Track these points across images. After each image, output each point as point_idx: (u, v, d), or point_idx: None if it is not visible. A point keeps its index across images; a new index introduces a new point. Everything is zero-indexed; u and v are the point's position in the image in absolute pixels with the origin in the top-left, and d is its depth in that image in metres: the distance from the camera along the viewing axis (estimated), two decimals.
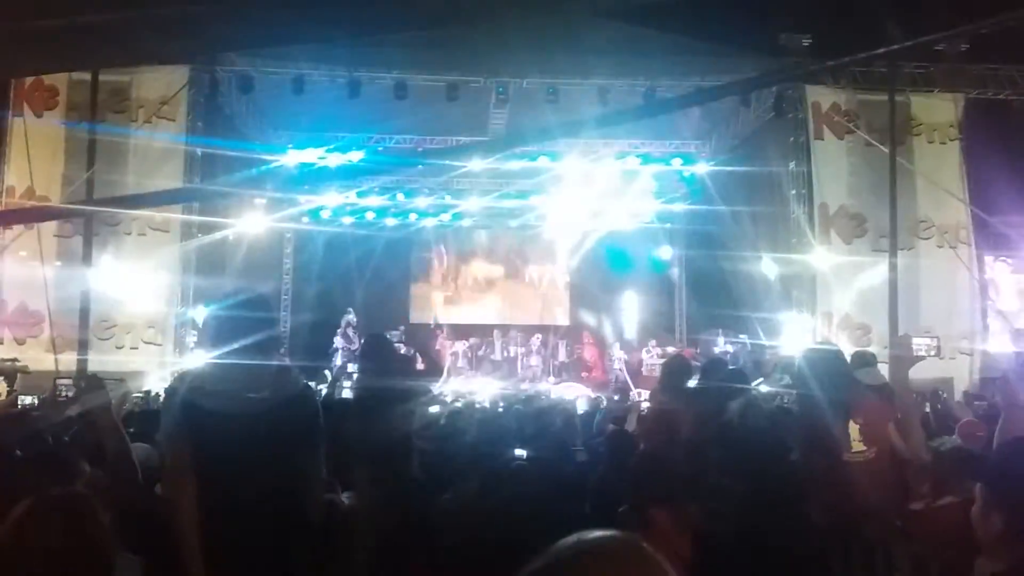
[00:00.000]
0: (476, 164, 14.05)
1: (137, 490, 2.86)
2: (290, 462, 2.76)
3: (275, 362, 2.94)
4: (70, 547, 1.97)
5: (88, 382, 3.33)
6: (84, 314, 9.20)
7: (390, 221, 16.36)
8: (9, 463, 2.71)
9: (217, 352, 2.90)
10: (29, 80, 11.23)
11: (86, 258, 9.74)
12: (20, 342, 10.56)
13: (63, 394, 3.69)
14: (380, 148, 14.03)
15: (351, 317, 14.38)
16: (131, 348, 10.82)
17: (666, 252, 16.86)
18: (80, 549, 2.00)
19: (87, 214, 7.62)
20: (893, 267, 9.42)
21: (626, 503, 4.43)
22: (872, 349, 8.42)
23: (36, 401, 4.24)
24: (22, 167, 10.35)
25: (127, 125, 11.21)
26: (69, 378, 4.31)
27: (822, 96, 12.23)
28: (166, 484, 2.91)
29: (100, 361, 9.78)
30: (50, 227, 10.93)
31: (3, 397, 5.84)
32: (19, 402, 4.31)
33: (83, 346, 8.89)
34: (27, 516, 2.01)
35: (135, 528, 2.55)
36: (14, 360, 9.30)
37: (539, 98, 12.19)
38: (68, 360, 9.21)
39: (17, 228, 10.95)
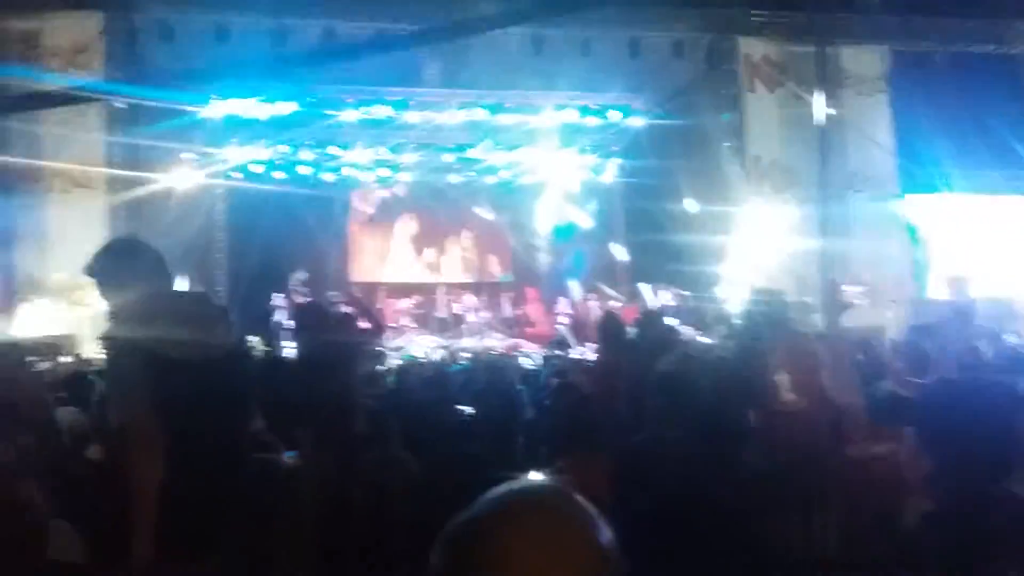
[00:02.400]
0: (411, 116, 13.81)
1: (64, 456, 2.78)
2: (233, 414, 2.71)
3: (213, 307, 2.84)
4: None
5: (5, 349, 3.21)
6: (8, 278, 8.88)
7: (327, 176, 16.01)
8: None
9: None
10: None
11: (7, 219, 9.37)
12: None
13: None
14: (311, 99, 13.65)
15: (302, 275, 14.11)
16: (62, 311, 10.43)
17: (597, 211, 16.90)
18: (8, 518, 1.95)
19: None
20: (824, 216, 9.64)
21: (557, 450, 4.53)
22: (806, 300, 8.72)
23: None
24: None
25: (38, 76, 10.64)
26: None
27: (753, 47, 12.31)
28: (131, 443, 2.73)
29: (30, 324, 9.44)
30: None
31: None
32: None
33: (11, 309, 8.58)
34: None
35: (67, 495, 2.49)
36: None
37: (472, 49, 12.00)
38: None
39: None
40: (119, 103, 11.24)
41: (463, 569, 0.96)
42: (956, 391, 2.09)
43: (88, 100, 9.43)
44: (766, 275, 11.58)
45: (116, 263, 2.79)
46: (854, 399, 3.82)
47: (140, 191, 11.58)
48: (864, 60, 12.29)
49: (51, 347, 6.78)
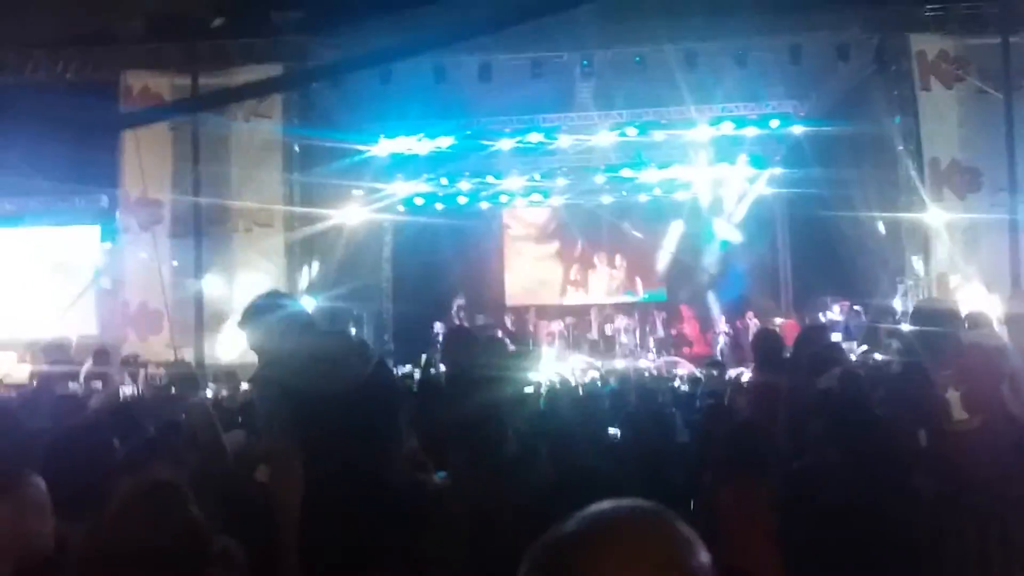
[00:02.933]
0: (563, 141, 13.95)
1: (229, 475, 3.00)
2: (376, 443, 2.85)
3: (356, 344, 3.04)
4: (163, 534, 2.07)
5: (183, 376, 3.54)
6: (199, 311, 9.74)
7: (483, 205, 16.48)
8: (108, 453, 2.90)
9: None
10: (137, 88, 11.87)
11: (198, 257, 10.31)
12: (143, 339, 11.23)
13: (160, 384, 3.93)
14: (468, 132, 14.13)
15: (461, 301, 14.61)
16: (242, 341, 11.31)
17: (761, 224, 16.26)
18: (173, 535, 2.10)
19: (193, 110, 7.89)
20: (1014, 222, 8.85)
21: (714, 472, 4.37)
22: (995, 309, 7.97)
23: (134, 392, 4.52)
24: (135, 169, 10.95)
25: (228, 125, 11.69)
26: (164, 369, 4.58)
27: (927, 44, 11.50)
28: (275, 468, 3.03)
29: (215, 355, 10.34)
30: (164, 229, 11.58)
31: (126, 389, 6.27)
32: (120, 394, 4.60)
33: (199, 341, 9.41)
34: (121, 504, 2.14)
35: (231, 513, 2.68)
36: (136, 356, 10.01)
37: (625, 68, 12.01)
38: (187, 354, 9.80)
39: (135, 229, 11.66)
40: (296, 146, 12.16)
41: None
42: None
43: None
44: (947, 284, 10.72)
45: (260, 318, 3.13)
46: None
47: (314, 227, 12.40)
48: None
49: (231, 375, 7.38)
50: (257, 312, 3.21)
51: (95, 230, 13.48)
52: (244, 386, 6.48)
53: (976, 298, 9.62)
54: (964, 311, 5.60)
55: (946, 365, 3.78)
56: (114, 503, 2.16)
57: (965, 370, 3.80)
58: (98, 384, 6.59)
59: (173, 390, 3.93)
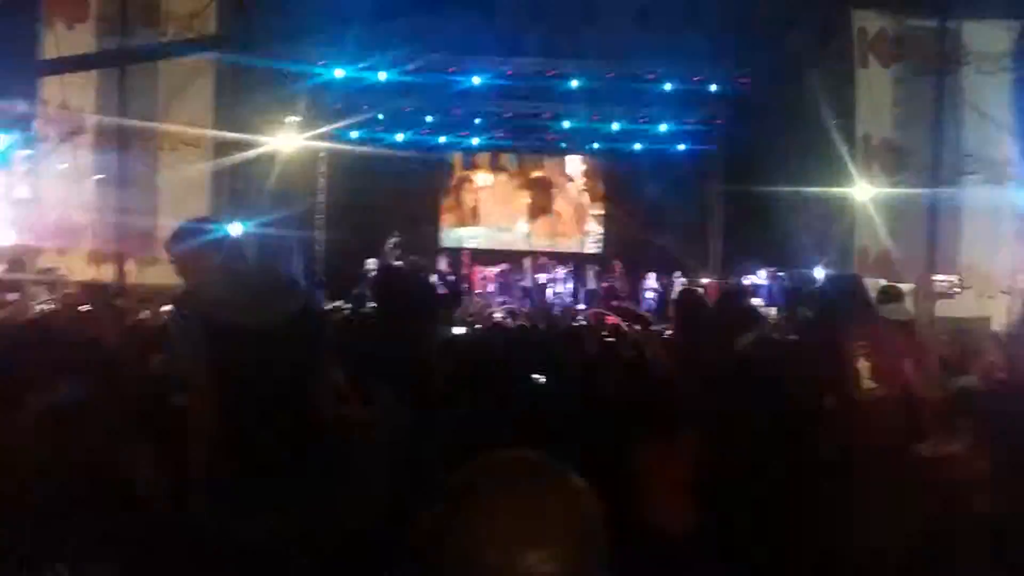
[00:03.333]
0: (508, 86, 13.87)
1: (143, 398, 2.96)
2: (298, 377, 2.85)
3: (282, 279, 3.00)
4: (76, 454, 2.03)
5: (100, 294, 3.45)
6: (120, 227, 9.41)
7: (425, 143, 16.26)
8: (24, 367, 2.81)
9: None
10: None
11: (121, 172, 9.90)
12: (62, 253, 10.79)
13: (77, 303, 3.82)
14: (410, 67, 13.83)
15: (395, 239, 14.47)
16: (168, 263, 10.98)
17: (694, 185, 16.52)
18: (83, 455, 2.07)
19: (116, 63, 7.56)
20: (934, 203, 9.18)
21: (634, 430, 4.51)
22: (908, 286, 8.33)
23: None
24: (54, 80, 10.40)
25: (156, 40, 11.17)
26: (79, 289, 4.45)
27: (869, 21, 11.69)
28: (190, 396, 2.98)
29: (138, 274, 10.02)
30: (86, 141, 11.07)
31: (46, 304, 6.05)
32: (33, 309, 4.45)
33: (120, 259, 9.09)
34: (33, 423, 2.09)
35: (143, 437, 2.65)
36: (53, 270, 9.63)
37: (574, 17, 11.91)
38: (106, 272, 9.47)
39: (55, 138, 11.13)
40: (228, 68, 11.71)
41: (449, 531, 0.99)
42: None
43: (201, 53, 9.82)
44: (868, 258, 11.13)
45: (186, 242, 3.06)
46: (934, 392, 3.65)
47: (245, 153, 12.03)
48: (988, 36, 11.48)
49: (151, 296, 7.15)
50: (184, 236, 3.14)
51: (11, 137, 12.79)
52: (166, 308, 6.31)
53: (892, 274, 10.04)
54: (879, 285, 5.84)
55: (859, 335, 3.95)
56: (21, 419, 2.11)
57: (875, 341, 3.98)
58: (12, 295, 6.34)
59: (89, 307, 3.81)
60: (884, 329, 4.18)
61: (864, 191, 11.48)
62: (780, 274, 13.16)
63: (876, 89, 11.66)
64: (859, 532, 3.41)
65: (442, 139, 16.37)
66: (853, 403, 3.88)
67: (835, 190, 11.89)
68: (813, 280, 11.43)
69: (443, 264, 13.80)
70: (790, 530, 3.54)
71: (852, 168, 11.60)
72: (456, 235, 17.15)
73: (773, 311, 10.67)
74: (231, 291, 2.95)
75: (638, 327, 7.61)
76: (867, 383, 3.90)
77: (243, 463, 2.71)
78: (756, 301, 9.38)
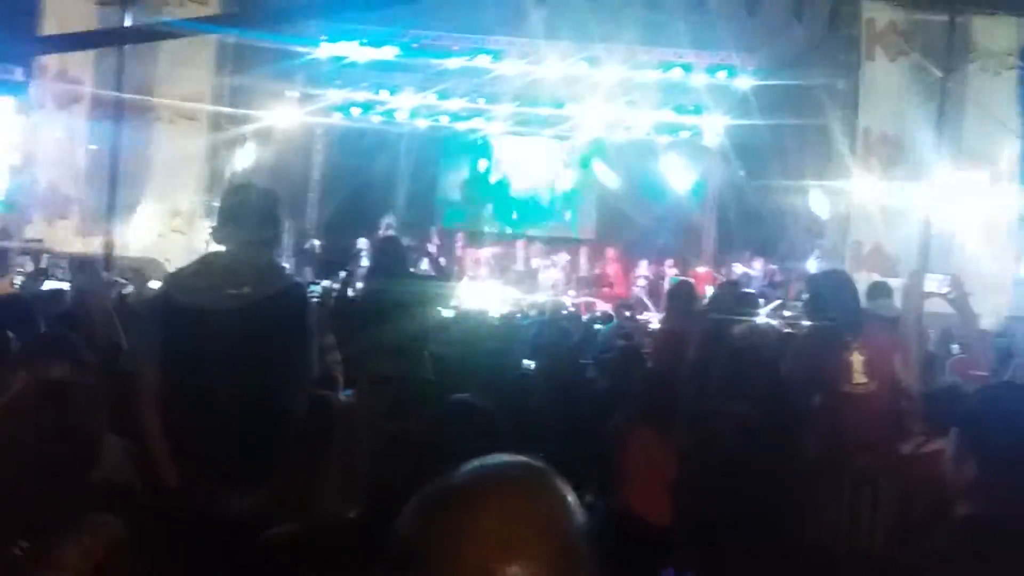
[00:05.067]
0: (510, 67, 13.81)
1: (122, 375, 2.93)
2: (268, 358, 2.81)
3: (261, 260, 2.95)
4: (56, 431, 2.01)
5: (82, 267, 3.39)
6: (112, 198, 9.32)
7: (421, 122, 16.13)
8: (2, 345, 2.78)
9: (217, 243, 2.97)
10: None
11: (116, 142, 9.80)
12: (50, 222, 10.72)
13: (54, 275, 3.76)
14: (413, 44, 13.71)
15: (389, 220, 14.41)
16: (158, 236, 10.96)
17: (692, 173, 16.44)
18: (65, 433, 2.05)
19: (116, 42, 7.53)
20: (928, 200, 9.16)
21: (620, 418, 4.49)
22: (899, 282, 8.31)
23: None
24: None
25: (159, 10, 11.03)
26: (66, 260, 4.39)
27: (878, 12, 11.60)
28: (129, 373, 2.94)
29: (126, 246, 9.96)
30: (83, 110, 10.98)
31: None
32: (13, 282, 4.40)
33: (109, 231, 9.02)
34: (16, 400, 2.06)
35: (121, 412, 2.62)
36: (40, 240, 9.56)
37: None
38: (95, 243, 9.40)
39: (51, 106, 11.04)
40: (229, 42, 11.60)
41: (428, 539, 0.96)
42: (1016, 395, 1.95)
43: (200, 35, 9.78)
44: (861, 252, 11.11)
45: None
46: (919, 388, 3.64)
47: (241, 127, 11.95)
48: (998, 32, 11.42)
49: (137, 271, 7.09)
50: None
51: (8, 102, 12.67)
52: (153, 284, 6.27)
53: (885, 269, 10.04)
54: (869, 281, 5.82)
55: (851, 330, 3.94)
56: (6, 398, 2.08)
57: (866, 337, 3.97)
58: None
59: (73, 281, 3.76)
60: (873, 325, 4.17)
61: (861, 184, 11.45)
62: (773, 266, 13.14)
63: (881, 82, 11.60)
64: (846, 528, 3.42)
65: (443, 119, 16.24)
66: (844, 397, 3.87)
67: (832, 182, 11.86)
68: (807, 273, 11.42)
69: (433, 246, 13.73)
70: (777, 523, 3.54)
71: (850, 161, 11.56)
72: (450, 216, 17.06)
73: (764, 303, 10.65)
74: (211, 271, 2.91)
75: (628, 314, 7.58)
76: (859, 377, 3.90)
77: (208, 442, 2.68)
78: (748, 291, 9.35)
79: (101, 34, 7.83)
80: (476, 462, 1.02)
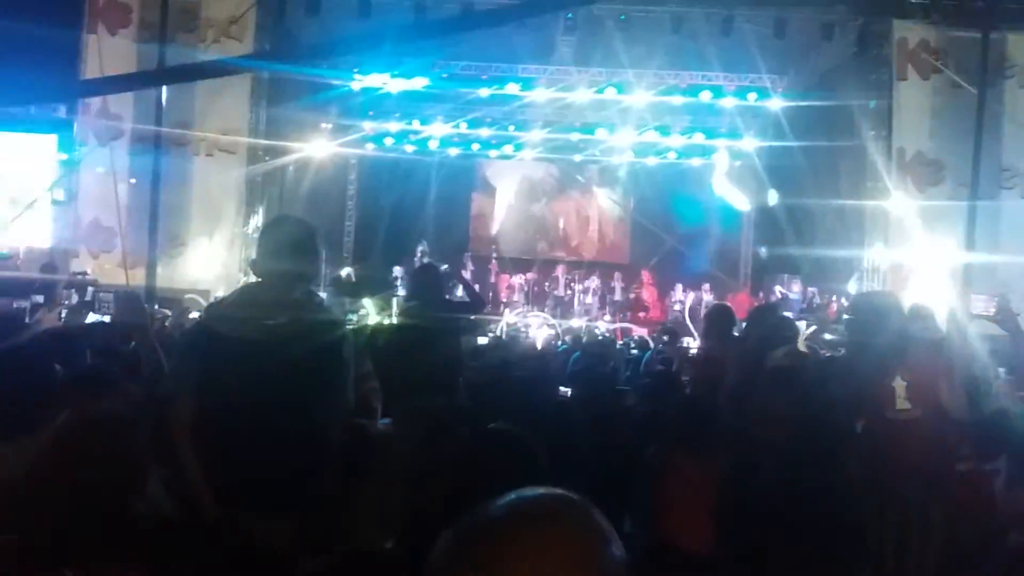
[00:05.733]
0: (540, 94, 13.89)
1: (160, 405, 2.95)
2: (305, 389, 2.82)
3: (298, 292, 2.98)
4: (103, 465, 2.04)
5: (125, 299, 3.44)
6: (153, 231, 9.51)
7: (452, 151, 16.29)
8: (49, 378, 2.83)
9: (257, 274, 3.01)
10: None
11: (156, 176, 10.02)
12: (94, 256, 10.99)
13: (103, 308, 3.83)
14: (444, 75, 13.88)
15: (424, 247, 14.53)
16: (199, 267, 11.17)
17: (726, 195, 16.34)
18: (113, 466, 2.07)
19: (156, 84, 7.74)
20: (971, 219, 8.98)
21: (658, 446, 4.44)
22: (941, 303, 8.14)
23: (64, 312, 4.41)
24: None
25: (196, 45, 11.33)
26: (110, 293, 4.47)
27: (910, 31, 11.53)
28: (165, 404, 2.95)
29: (168, 278, 10.14)
30: (124, 145, 11.25)
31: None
32: (60, 315, 4.49)
33: (152, 263, 9.19)
34: (64, 433, 2.09)
35: (159, 442, 2.65)
36: (84, 274, 9.77)
37: (609, 25, 11.85)
38: (138, 275, 9.58)
39: (93, 142, 11.34)
40: (264, 76, 11.84)
41: (463, 572, 0.96)
42: None
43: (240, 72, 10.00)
44: (900, 273, 10.93)
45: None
46: (960, 412, 3.54)
47: (278, 159, 12.16)
48: None
49: (178, 301, 7.20)
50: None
51: (51, 139, 13.04)
52: (193, 314, 6.36)
53: (925, 291, 9.85)
54: (910, 303, 5.71)
55: (894, 355, 3.85)
56: (53, 431, 2.12)
57: (910, 361, 3.88)
58: (39, 298, 6.41)
59: (117, 314, 3.83)
60: (918, 348, 4.08)
61: (898, 205, 11.30)
62: (811, 289, 12.97)
63: (914, 101, 11.49)
64: (893, 556, 3.33)
65: (475, 147, 16.39)
66: (888, 423, 3.78)
67: (869, 203, 11.72)
68: (847, 295, 11.25)
69: (467, 273, 13.80)
70: (820, 552, 3.46)
71: (887, 181, 11.42)
72: (484, 243, 17.15)
73: (803, 325, 10.50)
74: (249, 302, 2.95)
75: (666, 339, 7.52)
76: (902, 403, 3.80)
77: (245, 473, 2.69)
78: (786, 314, 9.24)
79: (142, 76, 8.04)
80: (512, 495, 1.01)
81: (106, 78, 8.35)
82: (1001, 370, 5.49)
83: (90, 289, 7.27)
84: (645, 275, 15.89)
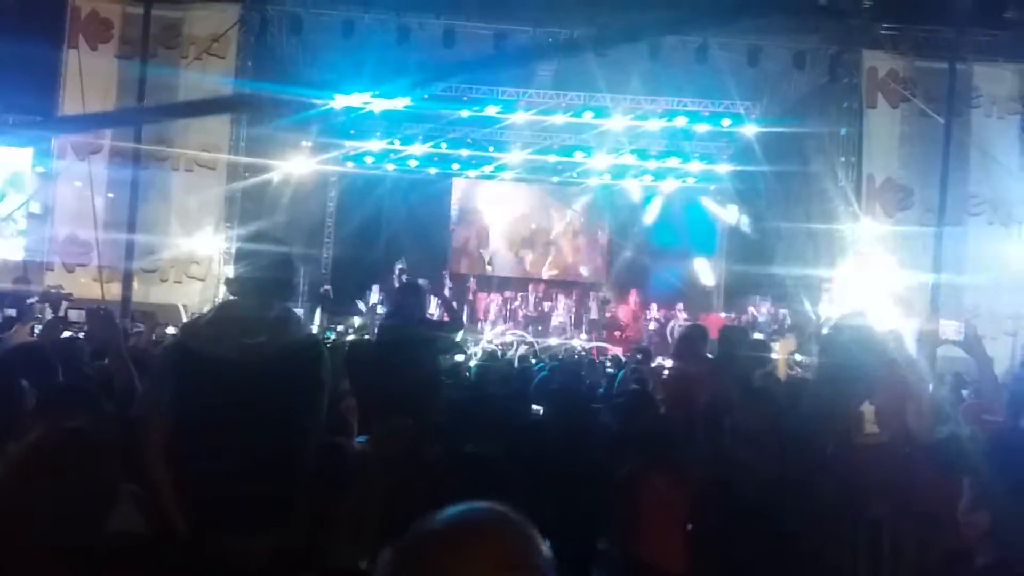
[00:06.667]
0: (520, 117, 13.94)
1: (134, 423, 2.94)
2: (282, 407, 2.83)
3: (275, 310, 2.99)
4: (73, 482, 2.03)
5: (99, 314, 3.41)
6: (130, 246, 9.48)
7: (432, 170, 16.37)
8: (18, 395, 2.82)
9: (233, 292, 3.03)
10: (85, 11, 11.40)
11: (134, 191, 9.99)
12: (69, 270, 10.88)
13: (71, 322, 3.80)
14: (425, 95, 13.96)
15: (402, 265, 14.55)
16: (175, 282, 11.10)
17: (728, 212, 16.53)
18: (85, 484, 2.06)
19: (134, 123, 7.73)
20: (938, 244, 9.19)
21: (632, 464, 4.49)
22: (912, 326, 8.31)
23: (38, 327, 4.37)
24: (75, 100, 10.53)
25: (178, 62, 11.32)
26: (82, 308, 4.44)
27: (880, 61, 11.82)
28: (138, 425, 2.94)
29: (144, 293, 10.07)
30: (102, 160, 11.19)
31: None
32: (33, 330, 4.45)
33: (127, 277, 9.14)
34: (33, 448, 2.09)
35: (137, 460, 2.65)
36: (59, 287, 9.66)
37: (586, 52, 11.98)
38: (114, 290, 9.52)
39: (71, 158, 11.27)
40: (245, 93, 11.85)
41: None
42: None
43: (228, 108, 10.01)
44: (868, 298, 11.11)
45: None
46: (931, 438, 3.62)
47: (258, 176, 12.14)
48: (999, 79, 11.59)
49: (151, 316, 7.15)
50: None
51: (27, 152, 12.93)
52: (171, 330, 6.32)
53: (891, 315, 10.02)
54: (879, 327, 5.82)
55: (863, 379, 3.93)
56: (24, 448, 2.11)
57: (878, 386, 3.96)
58: (12, 312, 6.35)
59: (90, 329, 3.80)
60: (885, 373, 4.16)
61: (868, 229, 11.51)
62: (783, 311, 13.14)
63: (883, 129, 11.74)
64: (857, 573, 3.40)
65: (454, 166, 16.48)
66: (854, 447, 3.85)
67: (839, 227, 11.93)
68: (816, 316, 11.41)
69: (446, 290, 13.83)
70: (790, 572, 3.51)
71: (857, 207, 11.65)
72: (462, 261, 17.20)
73: (778, 346, 10.62)
74: (225, 319, 2.95)
75: (639, 357, 7.59)
76: (870, 427, 3.88)
77: (221, 491, 2.69)
78: (757, 336, 9.36)
79: (121, 115, 8.01)
80: (442, 512, 1.08)
81: (84, 115, 8.34)
82: (965, 392, 5.62)
83: (64, 303, 7.21)
84: (620, 294, 16.03)
